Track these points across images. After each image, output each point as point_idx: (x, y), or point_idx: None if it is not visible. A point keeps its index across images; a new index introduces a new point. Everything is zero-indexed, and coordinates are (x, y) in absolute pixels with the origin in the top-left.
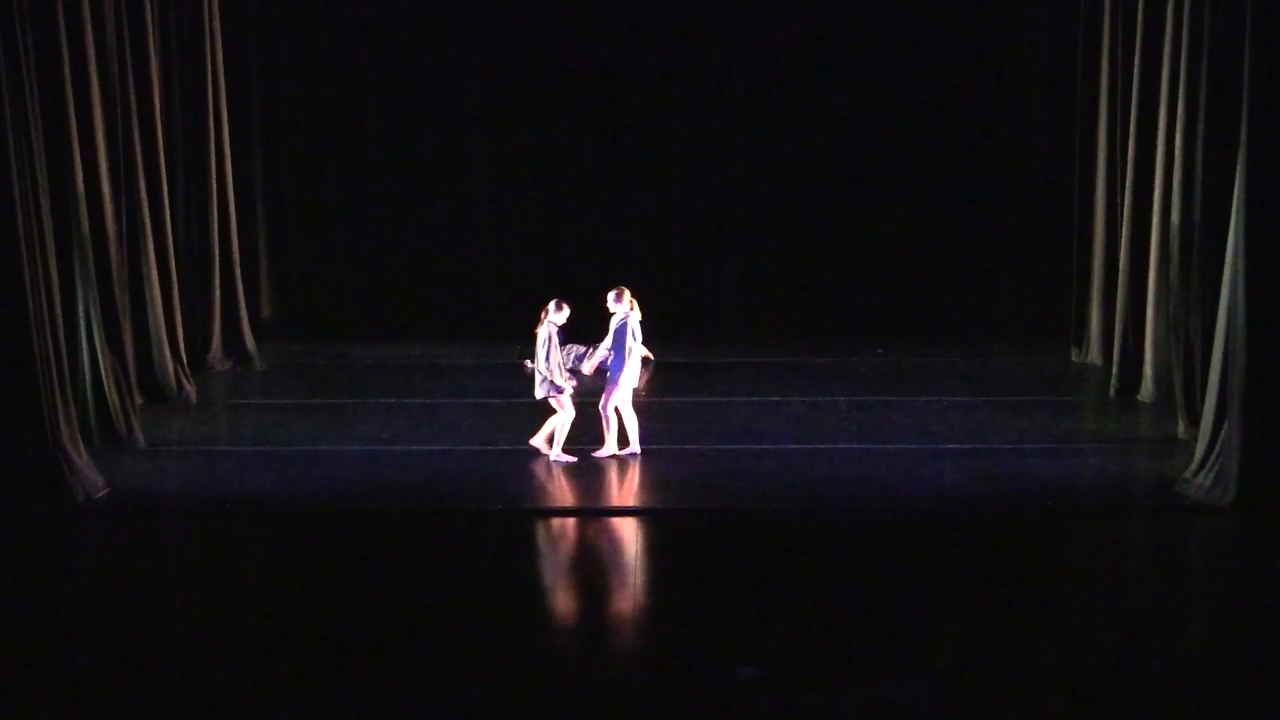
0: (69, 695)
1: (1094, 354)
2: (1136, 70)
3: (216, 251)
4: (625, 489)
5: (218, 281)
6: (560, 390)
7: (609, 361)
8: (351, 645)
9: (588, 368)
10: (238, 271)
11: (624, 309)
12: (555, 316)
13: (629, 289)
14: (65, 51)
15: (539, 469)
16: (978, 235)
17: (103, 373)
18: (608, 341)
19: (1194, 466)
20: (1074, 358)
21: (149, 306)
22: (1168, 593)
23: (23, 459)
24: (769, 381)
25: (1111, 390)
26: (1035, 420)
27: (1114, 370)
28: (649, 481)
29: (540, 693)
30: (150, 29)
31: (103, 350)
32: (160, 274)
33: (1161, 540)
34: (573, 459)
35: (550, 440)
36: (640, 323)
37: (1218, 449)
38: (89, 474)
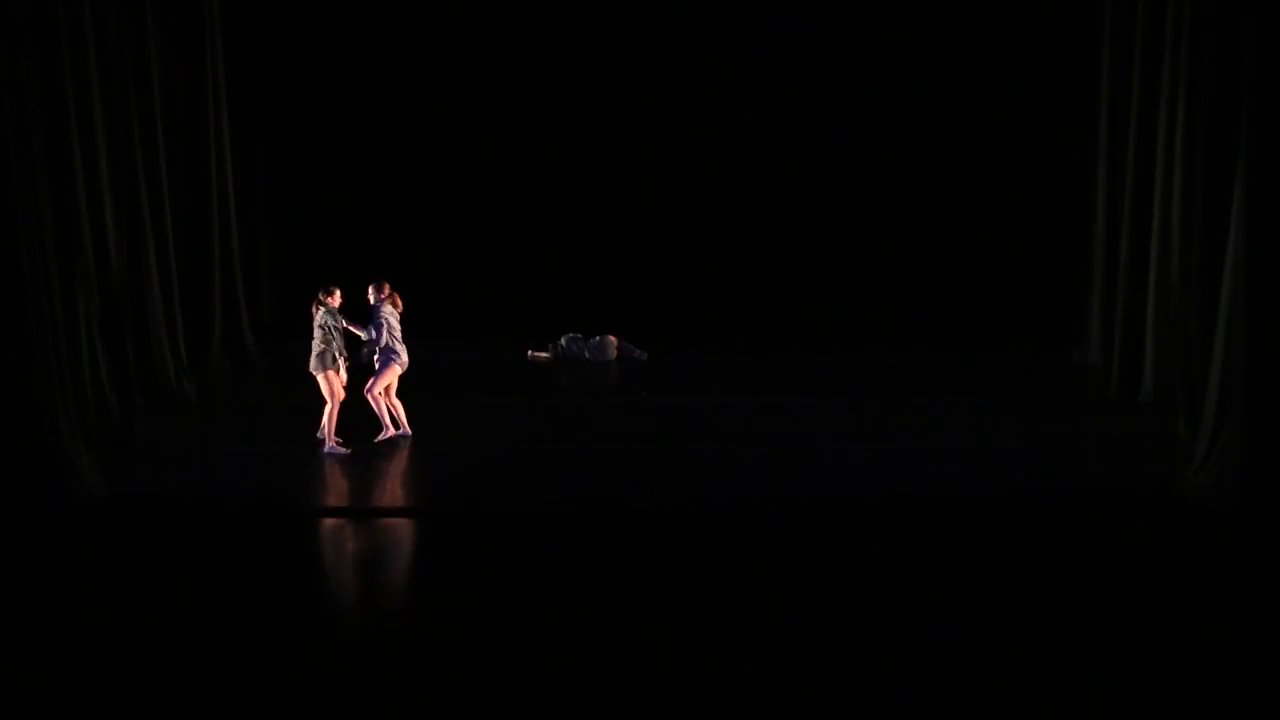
0: (69, 695)
1: (1094, 354)
2: (1137, 71)
3: (216, 251)
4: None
5: (218, 281)
6: (333, 368)
7: (377, 347)
8: (350, 644)
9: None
10: (238, 272)
11: (379, 299)
12: (330, 301)
13: (389, 283)
14: (65, 51)
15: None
16: (978, 236)
17: (103, 373)
18: (373, 329)
19: (1194, 466)
20: (1074, 358)
21: (149, 306)
22: (1168, 593)
23: (23, 459)
24: (771, 381)
25: (1112, 391)
26: (1035, 420)
27: (1114, 371)
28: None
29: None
30: (150, 29)
31: (103, 350)
32: (160, 274)
33: (1161, 540)
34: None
35: (328, 431)
36: (401, 317)
37: (1218, 449)
38: (89, 474)
